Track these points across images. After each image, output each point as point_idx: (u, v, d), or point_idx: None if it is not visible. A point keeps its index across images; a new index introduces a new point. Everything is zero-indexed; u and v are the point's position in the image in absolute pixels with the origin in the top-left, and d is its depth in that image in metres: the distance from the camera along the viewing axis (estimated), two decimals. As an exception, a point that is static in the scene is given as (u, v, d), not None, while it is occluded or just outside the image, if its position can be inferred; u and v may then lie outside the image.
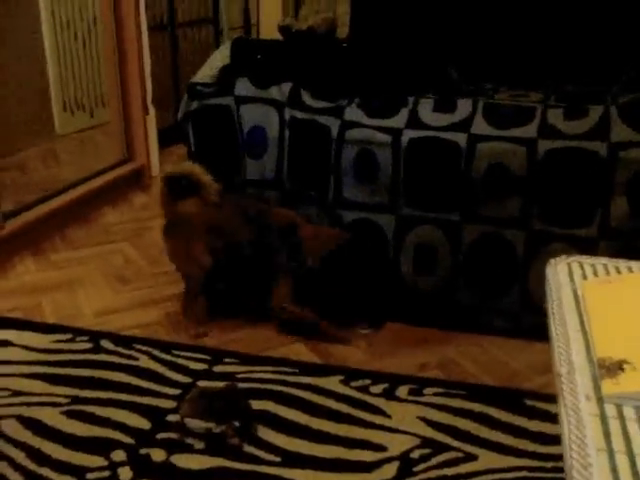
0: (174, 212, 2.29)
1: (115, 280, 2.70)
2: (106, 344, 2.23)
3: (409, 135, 2.23)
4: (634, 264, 1.07)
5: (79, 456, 1.72)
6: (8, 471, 1.66)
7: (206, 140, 2.53)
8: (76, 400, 1.94)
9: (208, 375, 2.06)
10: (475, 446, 1.76)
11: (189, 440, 1.77)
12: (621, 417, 0.75)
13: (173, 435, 1.79)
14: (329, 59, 2.55)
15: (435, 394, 1.97)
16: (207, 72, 2.53)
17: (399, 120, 2.25)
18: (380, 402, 1.93)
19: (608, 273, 1.05)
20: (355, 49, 2.78)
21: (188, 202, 2.27)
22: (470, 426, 1.83)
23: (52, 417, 1.86)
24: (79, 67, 4.36)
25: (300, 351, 2.21)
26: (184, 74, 4.28)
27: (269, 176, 2.45)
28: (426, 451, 1.74)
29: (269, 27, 4.43)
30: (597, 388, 0.80)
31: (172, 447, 1.75)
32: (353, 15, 2.97)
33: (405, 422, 1.85)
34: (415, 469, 1.68)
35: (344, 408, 1.91)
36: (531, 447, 1.74)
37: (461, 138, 2.18)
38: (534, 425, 1.82)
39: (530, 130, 2.13)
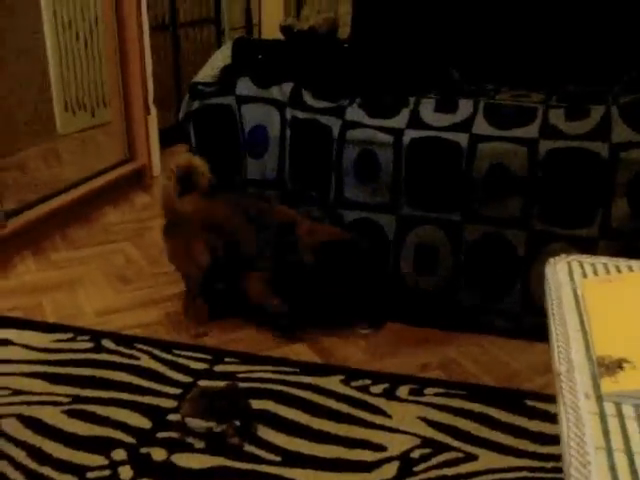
0: (174, 211, 2.29)
1: (116, 280, 2.70)
2: (107, 343, 2.23)
3: (410, 135, 2.23)
4: (634, 263, 1.07)
5: (80, 455, 1.72)
6: (9, 470, 1.67)
7: (207, 140, 2.54)
8: (77, 399, 1.94)
9: (209, 375, 2.06)
10: (475, 446, 1.75)
11: (190, 439, 1.77)
12: (620, 415, 0.75)
13: (174, 434, 1.79)
14: (330, 59, 2.55)
15: (436, 394, 1.97)
16: (208, 72, 2.53)
17: (400, 120, 2.25)
18: (380, 402, 1.93)
19: (608, 272, 1.05)
20: (356, 49, 2.78)
21: (187, 199, 2.28)
22: (470, 426, 1.83)
23: (53, 416, 1.86)
24: (81, 67, 4.37)
25: (300, 351, 2.21)
26: (186, 74, 4.28)
27: (270, 176, 2.45)
28: (426, 451, 1.74)
29: (271, 27, 4.44)
30: (596, 386, 0.80)
31: (173, 446, 1.75)
32: (355, 15, 2.98)
33: (405, 422, 1.85)
34: (415, 469, 1.67)
35: (344, 408, 1.91)
36: (531, 447, 1.74)
37: (462, 138, 2.18)
38: (534, 425, 1.82)
39: (531, 130, 2.13)
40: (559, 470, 1.62)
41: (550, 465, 1.67)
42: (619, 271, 1.06)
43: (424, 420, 1.85)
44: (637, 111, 2.08)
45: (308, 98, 2.38)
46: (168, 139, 3.97)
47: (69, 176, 3.50)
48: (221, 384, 1.92)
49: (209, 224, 2.26)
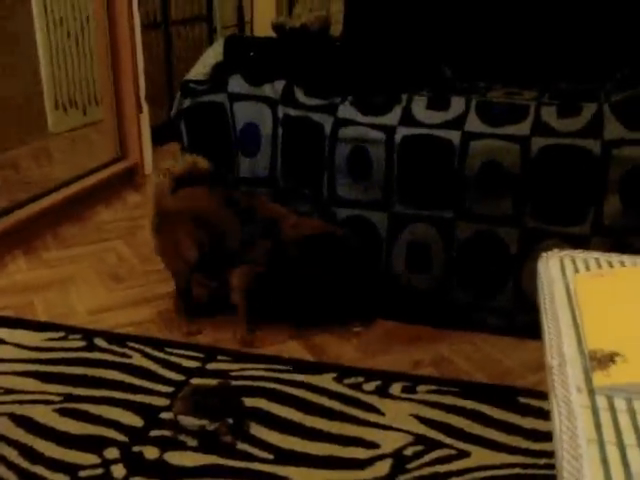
0: (163, 207, 2.28)
1: (108, 278, 2.69)
2: (99, 342, 2.22)
3: (402, 133, 2.23)
4: (626, 258, 1.07)
5: (72, 454, 1.72)
6: (1, 469, 1.66)
7: (199, 137, 2.53)
8: (69, 398, 1.93)
9: (201, 372, 2.06)
10: (468, 443, 1.76)
11: (182, 437, 1.76)
12: (612, 409, 0.76)
13: (166, 432, 1.79)
14: (322, 57, 2.55)
15: (428, 391, 1.97)
16: (200, 69, 2.53)
17: (392, 117, 2.25)
18: (373, 399, 1.93)
19: (600, 267, 1.05)
20: (348, 47, 2.78)
21: (179, 194, 2.27)
22: (463, 423, 1.83)
23: (45, 415, 1.86)
24: (72, 65, 4.35)
25: (293, 349, 2.21)
26: (178, 72, 4.28)
27: (262, 174, 2.45)
28: (419, 448, 1.74)
29: (263, 25, 4.43)
30: (588, 380, 0.80)
31: (165, 444, 1.75)
32: (347, 13, 2.97)
33: (398, 419, 1.85)
34: (408, 466, 1.68)
35: (337, 405, 1.91)
36: (524, 444, 1.75)
37: (455, 136, 2.18)
38: (527, 422, 1.82)
39: (524, 128, 2.13)
40: (552, 467, 1.61)
41: (543, 462, 1.68)
42: (611, 266, 1.06)
43: (417, 417, 1.85)
44: (629, 108, 2.09)
45: (300, 96, 2.38)
46: (160, 137, 3.96)
47: (60, 175, 3.49)
48: (213, 382, 1.92)
49: (197, 219, 2.25)
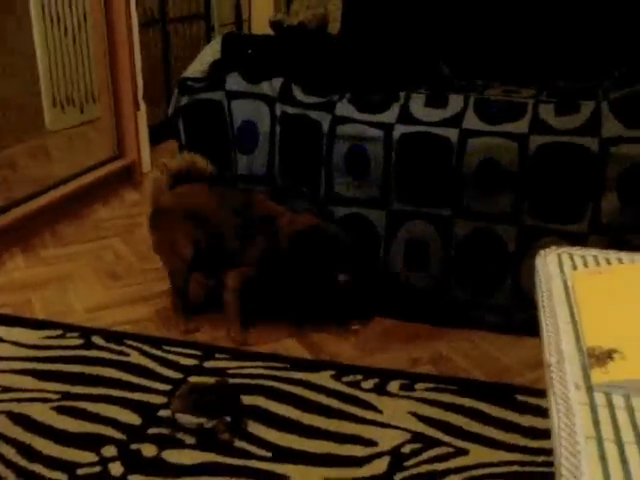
0: (160, 203, 2.28)
1: (106, 276, 2.69)
2: (97, 340, 2.22)
3: (400, 130, 2.22)
4: (624, 255, 1.07)
5: (70, 452, 1.72)
6: (-2, 467, 1.66)
7: (197, 135, 2.52)
8: (67, 396, 1.93)
9: (199, 370, 2.05)
10: (466, 441, 1.76)
11: (180, 435, 1.76)
12: (610, 406, 0.75)
13: (164, 430, 1.78)
14: (320, 54, 2.55)
15: (426, 389, 1.97)
16: (198, 67, 2.52)
17: (390, 115, 2.25)
18: (371, 397, 1.93)
19: (598, 264, 1.05)
20: (346, 44, 2.78)
21: (176, 191, 2.27)
22: (461, 421, 1.83)
23: (42, 413, 1.85)
24: (69, 62, 4.34)
25: (291, 346, 2.21)
26: (175, 70, 4.27)
27: (260, 172, 2.45)
28: (417, 446, 1.74)
29: (260, 23, 4.43)
30: (586, 377, 0.80)
31: (163, 442, 1.75)
32: (344, 10, 2.97)
33: (396, 417, 1.85)
34: (406, 464, 1.68)
35: (335, 403, 1.91)
36: (522, 442, 1.75)
37: (452, 133, 2.18)
38: (525, 420, 1.83)
39: (521, 125, 2.13)
40: (550, 464, 1.62)
41: (541, 459, 1.68)
42: (609, 263, 1.06)
43: (415, 415, 1.85)
44: (627, 106, 2.09)
45: (298, 93, 2.38)
46: (158, 135, 3.96)
47: (58, 173, 3.48)
48: (211, 380, 1.92)
49: (193, 216, 2.25)
